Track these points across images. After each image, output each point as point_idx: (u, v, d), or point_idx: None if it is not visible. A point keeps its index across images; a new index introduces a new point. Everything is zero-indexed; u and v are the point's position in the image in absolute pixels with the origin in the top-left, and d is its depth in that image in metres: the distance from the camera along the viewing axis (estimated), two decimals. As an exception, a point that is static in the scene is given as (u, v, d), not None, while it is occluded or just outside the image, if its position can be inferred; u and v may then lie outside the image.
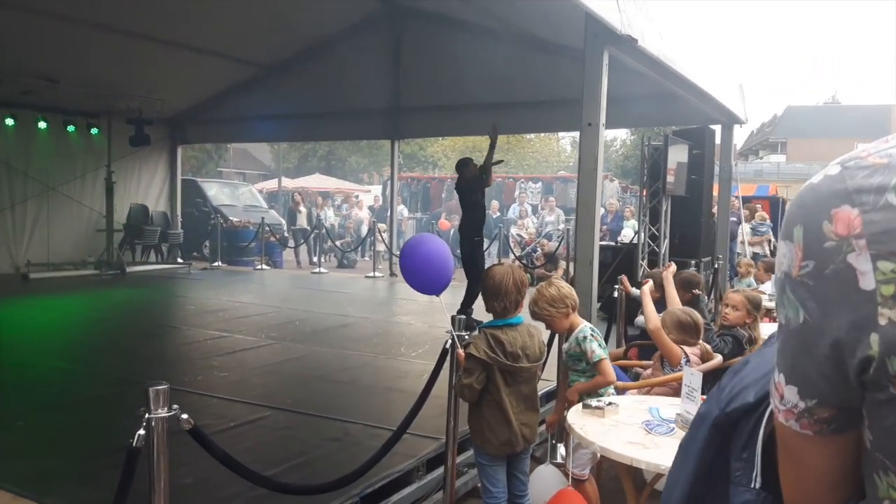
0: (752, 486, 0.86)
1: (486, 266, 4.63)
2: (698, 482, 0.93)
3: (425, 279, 3.23)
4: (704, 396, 2.70)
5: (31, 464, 3.60)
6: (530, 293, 3.23)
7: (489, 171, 7.66)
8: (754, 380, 0.89)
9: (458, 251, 7.63)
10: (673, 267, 4.90)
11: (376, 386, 5.41)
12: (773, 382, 0.75)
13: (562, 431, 3.26)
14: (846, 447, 0.72)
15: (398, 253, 12.80)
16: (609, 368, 3.29)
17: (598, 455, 3.34)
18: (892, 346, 0.63)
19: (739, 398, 0.89)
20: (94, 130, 11.93)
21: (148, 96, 11.51)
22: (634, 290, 5.01)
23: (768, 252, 14.99)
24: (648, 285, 4.25)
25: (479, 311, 3.19)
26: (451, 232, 17.44)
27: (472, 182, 7.58)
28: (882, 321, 0.63)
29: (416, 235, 3.20)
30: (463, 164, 7.73)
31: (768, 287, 7.09)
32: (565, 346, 3.34)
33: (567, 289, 3.30)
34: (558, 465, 3.32)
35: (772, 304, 6.73)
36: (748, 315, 4.17)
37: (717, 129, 9.63)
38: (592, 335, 3.27)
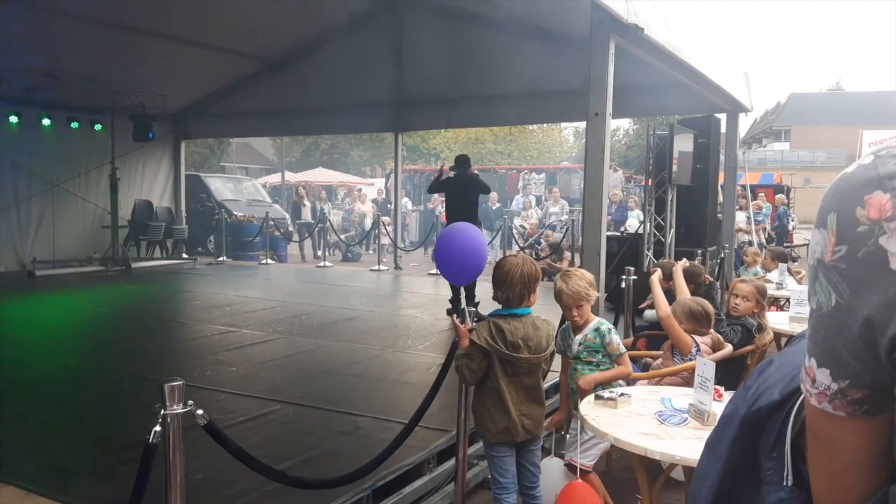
0: (785, 483, 0.86)
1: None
2: (726, 481, 0.94)
3: (462, 268, 3.26)
4: (718, 387, 2.70)
5: (43, 460, 3.62)
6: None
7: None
8: (779, 378, 0.90)
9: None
10: (685, 262, 4.87)
11: (384, 379, 5.41)
12: (804, 368, 0.77)
13: (569, 423, 3.25)
14: (879, 431, 0.74)
15: (403, 245, 12.85)
16: (629, 362, 3.32)
17: (609, 447, 3.35)
18: None
19: (765, 397, 0.91)
20: (97, 127, 11.92)
21: (151, 92, 11.49)
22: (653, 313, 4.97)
23: (763, 241, 15.00)
24: (657, 274, 4.25)
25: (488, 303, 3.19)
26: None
27: (474, 182, 7.87)
28: None
29: (453, 224, 3.16)
30: (466, 161, 7.89)
31: (775, 276, 7.07)
32: (579, 336, 3.32)
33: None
34: (563, 455, 3.32)
35: (779, 293, 6.73)
36: (756, 305, 4.17)
37: (723, 117, 9.59)
38: (613, 328, 3.33)
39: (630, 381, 3.64)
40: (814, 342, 0.75)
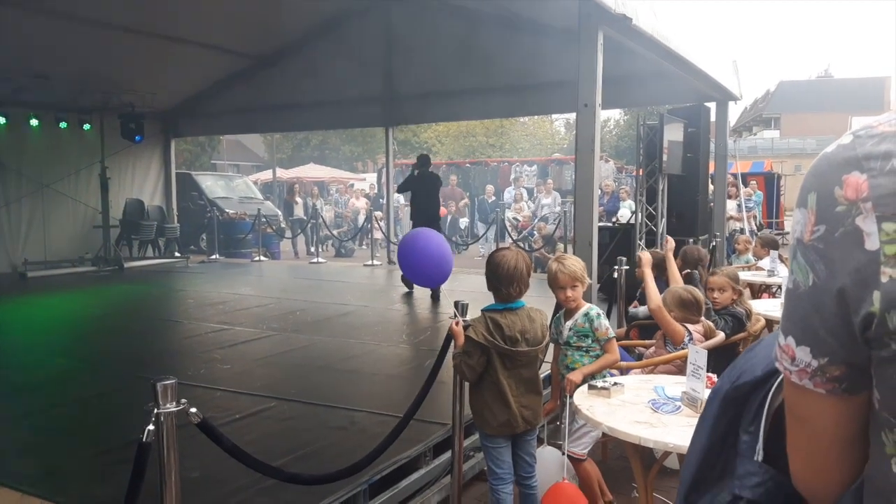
0: (756, 458, 0.88)
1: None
2: (710, 454, 0.95)
3: (426, 273, 3.25)
4: (711, 375, 2.72)
5: (38, 462, 3.61)
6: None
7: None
8: (763, 357, 0.92)
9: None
10: (671, 242, 4.90)
11: (379, 373, 5.42)
12: (780, 347, 0.78)
13: (562, 412, 3.26)
14: (857, 410, 0.75)
15: (396, 239, 12.88)
16: (616, 347, 3.33)
17: (601, 435, 3.37)
18: (892, 301, 0.66)
19: (748, 373, 0.92)
20: (86, 126, 11.86)
21: (140, 90, 11.43)
22: (642, 309, 5.00)
23: (754, 228, 15.07)
24: (646, 260, 4.24)
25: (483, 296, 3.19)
26: (448, 219, 17.45)
27: (436, 179, 8.95)
28: (884, 279, 0.67)
29: (411, 231, 3.21)
30: (428, 161, 8.98)
31: (766, 263, 7.10)
32: (569, 322, 3.34)
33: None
34: (558, 446, 3.33)
35: (771, 280, 6.77)
36: (734, 292, 4.19)
37: (712, 106, 9.61)
38: (603, 314, 3.35)
39: (623, 371, 3.66)
40: (791, 321, 0.76)
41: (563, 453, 3.20)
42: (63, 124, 11.56)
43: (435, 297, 8.24)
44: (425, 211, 8.71)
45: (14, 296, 9.21)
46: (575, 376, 3.18)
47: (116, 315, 8.18)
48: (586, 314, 3.31)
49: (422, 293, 8.53)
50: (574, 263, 3.31)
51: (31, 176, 11.49)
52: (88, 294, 9.64)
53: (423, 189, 8.76)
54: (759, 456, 0.88)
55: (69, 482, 3.39)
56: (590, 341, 3.31)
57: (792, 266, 0.75)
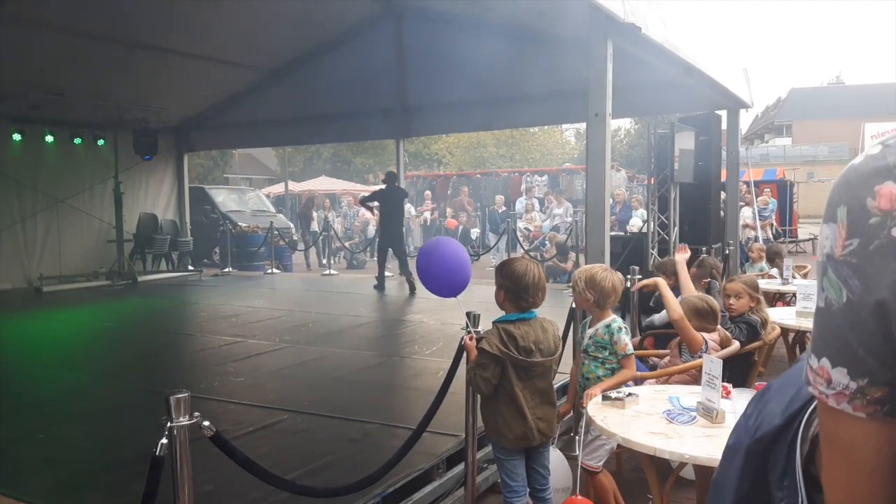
0: None
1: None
2: None
3: (445, 283, 3.23)
4: (726, 384, 2.69)
5: (52, 477, 3.62)
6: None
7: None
8: (779, 402, 0.87)
9: (397, 245, 10.63)
10: (685, 251, 4.85)
11: (392, 385, 5.41)
12: (812, 371, 0.73)
13: (576, 424, 3.24)
14: None
15: (407, 251, 12.90)
16: (634, 364, 3.31)
17: (616, 447, 3.33)
18: None
19: (767, 422, 0.87)
20: (100, 142, 11.98)
21: (153, 106, 11.54)
22: (658, 317, 5.00)
23: (770, 236, 14.97)
24: (661, 279, 4.21)
25: (492, 309, 3.18)
26: (459, 230, 17.45)
27: (401, 192, 10.52)
28: None
29: (431, 239, 3.23)
30: (395, 177, 10.57)
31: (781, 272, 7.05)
32: (591, 330, 3.32)
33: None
34: (573, 458, 3.30)
35: (785, 289, 6.71)
36: (751, 299, 4.15)
37: (723, 114, 9.57)
38: (626, 328, 3.32)
39: (637, 381, 3.63)
40: (825, 341, 0.72)
41: (578, 465, 3.17)
42: (77, 140, 11.67)
43: (412, 290, 9.90)
44: (391, 219, 10.33)
45: (30, 310, 9.29)
46: (593, 391, 3.16)
47: (130, 329, 8.22)
48: (608, 326, 3.29)
49: (427, 302, 8.52)
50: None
51: (46, 191, 11.61)
52: (103, 308, 9.70)
53: (389, 201, 10.26)
54: None
55: (83, 496, 3.40)
56: (607, 353, 3.28)
57: (822, 283, 0.71)
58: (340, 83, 10.87)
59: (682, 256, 4.72)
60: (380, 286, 10.53)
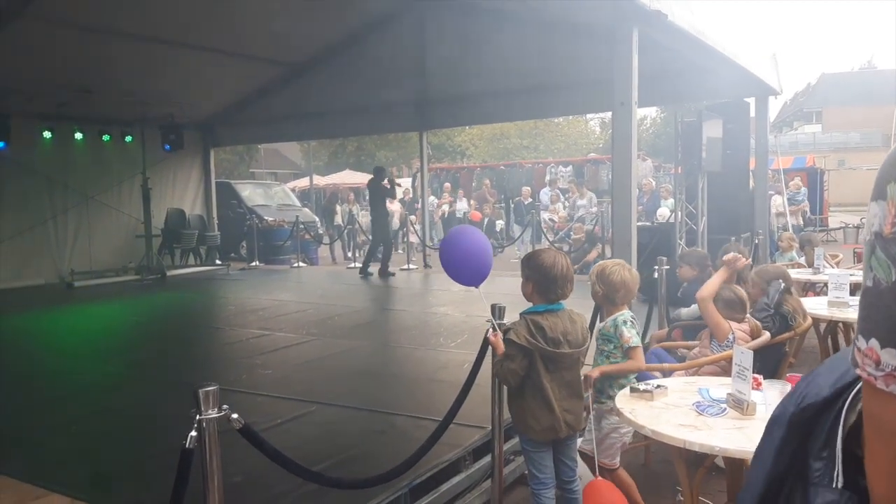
0: (835, 485, 0.79)
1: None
2: (773, 484, 0.87)
3: (467, 271, 3.21)
4: (756, 375, 2.65)
5: (86, 468, 3.69)
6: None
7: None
8: (828, 378, 0.84)
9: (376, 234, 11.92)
10: (741, 260, 4.53)
11: (418, 377, 5.42)
12: (859, 352, 0.71)
13: (586, 417, 3.18)
14: None
15: (431, 243, 12.91)
16: (641, 357, 3.26)
17: (627, 442, 3.30)
18: None
19: (814, 394, 0.85)
20: (128, 138, 12.14)
21: (179, 101, 11.65)
22: (685, 310, 4.96)
23: (802, 222, 14.72)
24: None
25: (518, 301, 3.16)
26: (485, 221, 17.41)
27: (384, 189, 11.39)
28: None
29: (455, 228, 3.21)
30: (381, 172, 11.64)
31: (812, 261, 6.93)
32: (600, 324, 3.31)
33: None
34: (584, 454, 3.25)
35: (816, 278, 6.60)
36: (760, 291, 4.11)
37: (751, 101, 9.42)
38: (633, 322, 3.27)
39: (666, 373, 3.59)
40: (873, 322, 0.69)
41: (595, 460, 3.14)
42: (106, 137, 11.84)
43: (384, 273, 11.35)
44: (376, 211, 11.50)
45: (61, 305, 9.46)
46: (592, 373, 3.16)
47: (159, 322, 8.34)
48: (615, 319, 3.27)
49: (463, 297, 8.53)
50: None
51: (76, 188, 11.81)
52: (132, 302, 9.85)
53: (372, 193, 11.53)
54: (839, 482, 0.79)
55: (116, 488, 3.46)
56: (612, 347, 3.26)
57: (871, 263, 0.69)
58: (363, 76, 10.88)
59: (736, 258, 4.44)
60: (364, 273, 11.70)
